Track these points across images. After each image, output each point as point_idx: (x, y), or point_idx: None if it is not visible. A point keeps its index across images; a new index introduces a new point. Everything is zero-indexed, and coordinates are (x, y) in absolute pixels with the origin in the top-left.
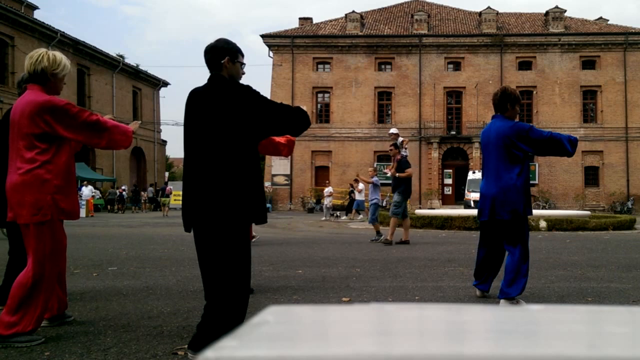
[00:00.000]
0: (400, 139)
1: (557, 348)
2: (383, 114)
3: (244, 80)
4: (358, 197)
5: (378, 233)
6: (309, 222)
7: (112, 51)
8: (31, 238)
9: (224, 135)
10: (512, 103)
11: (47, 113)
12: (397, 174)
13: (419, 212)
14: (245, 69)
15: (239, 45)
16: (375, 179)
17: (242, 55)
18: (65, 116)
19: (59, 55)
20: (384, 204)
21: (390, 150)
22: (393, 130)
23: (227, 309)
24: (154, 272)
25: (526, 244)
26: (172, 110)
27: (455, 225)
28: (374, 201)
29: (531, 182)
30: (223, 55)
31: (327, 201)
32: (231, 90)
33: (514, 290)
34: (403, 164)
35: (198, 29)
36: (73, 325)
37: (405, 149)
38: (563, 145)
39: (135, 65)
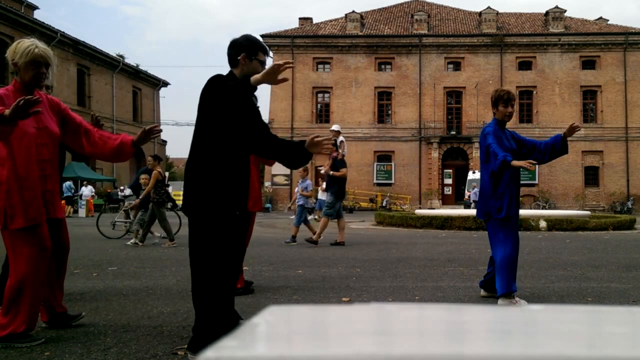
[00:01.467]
0: (341, 138)
1: (557, 348)
2: (383, 114)
3: None
4: (321, 196)
5: (293, 237)
6: None
7: (112, 51)
8: (4, 241)
9: (198, 129)
10: (493, 105)
11: None
12: (331, 172)
13: (419, 212)
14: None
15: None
16: (307, 182)
17: (264, 53)
18: None
19: (22, 42)
20: (384, 204)
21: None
22: (335, 127)
23: (208, 307)
24: (154, 272)
25: (507, 244)
26: (172, 110)
27: (455, 225)
28: (300, 203)
29: (531, 182)
30: (239, 52)
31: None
32: (215, 87)
33: (500, 288)
34: (338, 164)
35: (198, 29)
36: (73, 326)
37: (344, 150)
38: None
39: (135, 65)
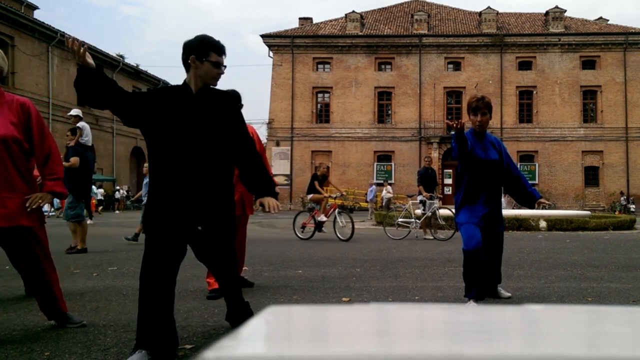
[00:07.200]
0: (82, 123)
1: (557, 348)
2: (383, 114)
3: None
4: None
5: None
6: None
7: (112, 51)
8: None
9: None
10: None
11: None
12: (63, 164)
13: (419, 212)
14: (224, 69)
15: (238, 44)
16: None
17: (218, 52)
18: None
19: None
20: (384, 204)
21: (67, 136)
22: (73, 112)
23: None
24: None
25: (464, 247)
26: None
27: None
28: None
29: (531, 182)
30: (189, 54)
31: None
32: None
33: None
34: (70, 152)
35: (198, 29)
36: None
37: (80, 137)
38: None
39: (135, 65)
